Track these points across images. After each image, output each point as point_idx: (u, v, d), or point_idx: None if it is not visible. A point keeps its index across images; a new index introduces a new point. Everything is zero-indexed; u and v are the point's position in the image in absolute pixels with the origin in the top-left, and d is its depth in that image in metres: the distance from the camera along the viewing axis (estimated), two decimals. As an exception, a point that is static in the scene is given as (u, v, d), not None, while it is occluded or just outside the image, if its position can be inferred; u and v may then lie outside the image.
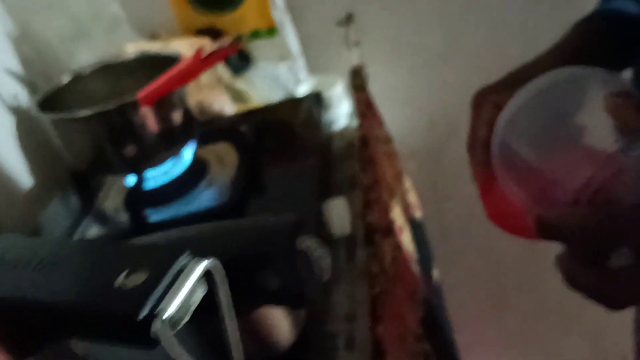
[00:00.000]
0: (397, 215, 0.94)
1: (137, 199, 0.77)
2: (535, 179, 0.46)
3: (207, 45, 1.10)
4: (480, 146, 0.51)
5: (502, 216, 0.50)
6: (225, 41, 0.77)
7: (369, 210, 0.80)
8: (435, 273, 1.23)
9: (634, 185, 0.41)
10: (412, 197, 1.11)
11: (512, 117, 0.47)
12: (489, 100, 0.54)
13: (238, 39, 0.78)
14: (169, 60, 0.75)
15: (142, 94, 0.70)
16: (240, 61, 1.19)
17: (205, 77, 1.10)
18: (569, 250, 0.41)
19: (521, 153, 0.47)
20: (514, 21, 1.21)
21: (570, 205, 0.42)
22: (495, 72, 0.60)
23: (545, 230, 0.42)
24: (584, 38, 0.64)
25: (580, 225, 0.40)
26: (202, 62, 0.69)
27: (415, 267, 0.98)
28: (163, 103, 0.76)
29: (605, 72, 0.46)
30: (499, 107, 0.51)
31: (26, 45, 1.15)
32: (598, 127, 0.43)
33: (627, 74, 0.66)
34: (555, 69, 0.58)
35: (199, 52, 0.69)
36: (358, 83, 1.01)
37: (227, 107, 1.06)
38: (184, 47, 1.09)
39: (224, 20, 1.18)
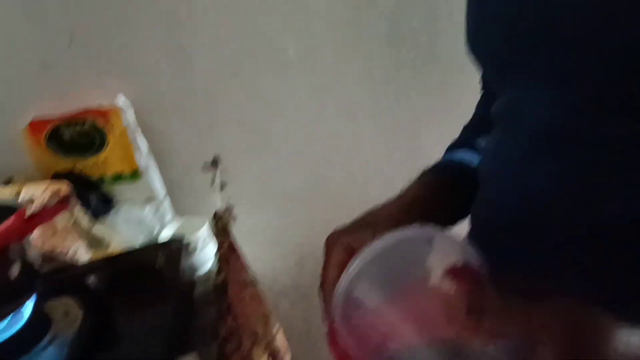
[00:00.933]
0: (262, 362, 0.89)
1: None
2: (371, 332, 0.46)
3: (65, 189, 1.06)
4: (329, 288, 0.52)
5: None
6: (53, 199, 0.73)
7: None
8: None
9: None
10: (281, 341, 1.07)
11: (356, 274, 0.48)
12: (339, 243, 0.55)
13: (64, 200, 0.74)
14: (7, 211, 0.70)
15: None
16: (101, 205, 1.15)
17: (60, 222, 1.04)
18: None
19: (362, 305, 0.47)
20: (374, 162, 1.28)
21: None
22: (357, 210, 0.62)
23: None
24: (427, 186, 0.67)
25: None
26: (25, 222, 0.64)
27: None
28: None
29: (446, 238, 0.49)
30: (349, 250, 0.52)
31: None
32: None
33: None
34: (399, 215, 0.61)
35: (21, 211, 0.64)
36: (221, 227, 1.00)
37: (82, 254, 1.00)
38: (38, 192, 1.03)
39: (85, 163, 1.15)
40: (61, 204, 0.75)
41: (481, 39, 0.57)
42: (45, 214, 0.66)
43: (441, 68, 1.14)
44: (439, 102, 1.18)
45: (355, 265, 0.47)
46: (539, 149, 0.50)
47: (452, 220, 0.66)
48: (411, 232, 0.49)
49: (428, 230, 0.49)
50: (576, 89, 0.46)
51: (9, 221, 0.60)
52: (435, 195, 0.66)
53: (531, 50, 0.49)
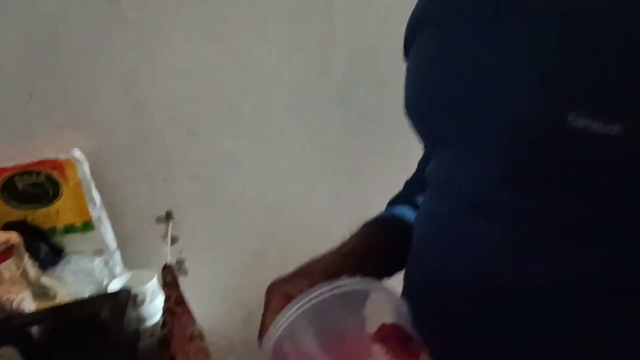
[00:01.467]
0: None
1: None
2: None
3: (14, 238, 1.05)
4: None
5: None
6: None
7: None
8: None
9: None
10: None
11: (285, 328, 0.49)
12: (278, 290, 0.57)
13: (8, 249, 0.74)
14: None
15: None
16: (51, 255, 1.15)
17: (8, 271, 1.03)
18: None
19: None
20: (324, 219, 1.31)
21: None
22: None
23: None
24: (365, 238, 0.70)
25: None
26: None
27: None
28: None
29: (380, 291, 0.51)
30: (287, 297, 0.54)
31: None
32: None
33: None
34: (336, 265, 0.63)
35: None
36: (169, 280, 1.01)
37: (28, 303, 0.99)
38: (-14, 241, 1.03)
39: (37, 213, 1.15)
40: (5, 253, 0.75)
41: (415, 110, 0.62)
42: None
43: (388, 131, 1.20)
44: (386, 163, 1.23)
45: (282, 321, 0.49)
46: (462, 216, 0.54)
47: (388, 272, 0.69)
48: (347, 283, 0.50)
49: (364, 283, 0.51)
50: (493, 165, 0.50)
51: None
52: (373, 248, 0.69)
53: (453, 127, 0.54)
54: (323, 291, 0.50)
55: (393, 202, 0.78)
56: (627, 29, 0.41)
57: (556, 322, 0.48)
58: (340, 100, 1.22)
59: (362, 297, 0.52)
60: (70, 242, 1.18)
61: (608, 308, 0.47)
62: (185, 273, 1.17)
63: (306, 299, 0.49)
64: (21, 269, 1.07)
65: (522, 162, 0.47)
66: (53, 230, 1.17)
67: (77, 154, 1.12)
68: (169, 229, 1.23)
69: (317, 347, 0.49)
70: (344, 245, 0.69)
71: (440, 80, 0.56)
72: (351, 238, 0.71)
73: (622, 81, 0.41)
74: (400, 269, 0.70)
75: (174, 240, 1.23)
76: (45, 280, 1.08)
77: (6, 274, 1.04)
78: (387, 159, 1.23)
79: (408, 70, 0.63)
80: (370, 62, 1.20)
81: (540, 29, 0.46)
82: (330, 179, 1.27)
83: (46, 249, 1.15)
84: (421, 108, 0.60)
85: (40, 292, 1.06)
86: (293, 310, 0.49)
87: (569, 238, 0.47)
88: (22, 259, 1.08)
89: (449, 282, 0.55)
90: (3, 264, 1.03)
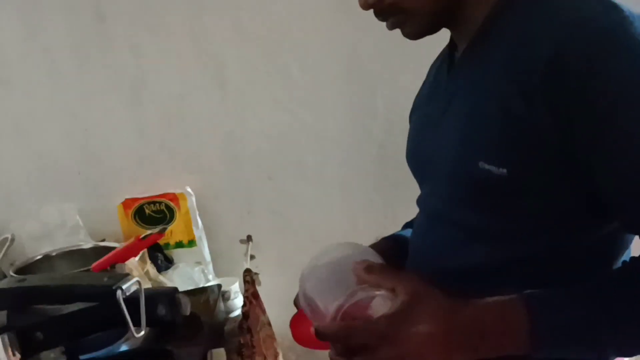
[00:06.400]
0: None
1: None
2: (316, 308, 0.75)
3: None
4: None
5: (302, 337, 0.79)
6: (155, 231, 1.07)
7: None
8: None
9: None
10: (285, 372, 1.35)
11: (308, 274, 0.77)
12: None
13: (162, 230, 1.08)
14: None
15: (95, 265, 0.99)
16: (164, 262, 1.50)
17: (137, 272, 1.38)
18: (333, 348, 0.69)
19: (312, 298, 0.76)
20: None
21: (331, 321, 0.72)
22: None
23: (318, 336, 0.70)
24: (381, 246, 0.97)
25: (333, 332, 0.68)
26: (140, 242, 1.00)
27: None
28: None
29: (364, 250, 0.80)
30: None
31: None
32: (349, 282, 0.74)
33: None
34: None
35: (138, 236, 1.00)
36: (248, 279, 1.32)
37: (150, 292, 1.33)
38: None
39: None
40: (158, 235, 1.07)
41: (408, 161, 0.91)
42: (150, 240, 1.01)
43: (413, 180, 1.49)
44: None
45: (307, 267, 0.77)
46: (428, 224, 0.83)
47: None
48: (351, 246, 0.79)
49: (362, 247, 0.80)
50: (442, 193, 0.77)
51: (132, 241, 0.95)
52: (383, 253, 0.97)
53: (423, 171, 0.83)
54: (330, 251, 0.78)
55: (406, 225, 1.06)
56: (507, 115, 0.68)
57: (475, 286, 0.75)
58: (379, 156, 1.54)
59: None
60: (178, 254, 1.53)
61: (502, 277, 0.73)
62: (259, 283, 1.49)
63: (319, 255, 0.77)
64: (145, 270, 1.42)
65: (456, 191, 0.75)
66: (167, 245, 1.52)
67: (189, 189, 1.49)
68: (249, 248, 1.56)
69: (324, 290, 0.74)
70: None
71: (417, 143, 0.86)
72: (370, 245, 0.99)
73: (504, 143, 0.68)
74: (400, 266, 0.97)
75: (252, 257, 1.56)
76: (161, 278, 1.43)
77: (135, 272, 1.39)
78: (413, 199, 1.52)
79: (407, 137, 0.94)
80: (402, 130, 1.51)
81: (463, 113, 0.74)
82: (370, 215, 1.57)
83: (162, 257, 1.50)
84: (410, 160, 0.90)
85: (157, 286, 1.40)
86: (311, 263, 0.77)
87: (480, 238, 0.73)
88: (145, 262, 1.43)
89: (421, 261, 0.82)
90: (132, 264, 1.38)
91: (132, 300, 0.78)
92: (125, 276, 0.77)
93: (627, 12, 0.60)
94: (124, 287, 0.73)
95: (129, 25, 1.47)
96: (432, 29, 0.75)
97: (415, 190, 0.89)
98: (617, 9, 0.61)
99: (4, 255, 1.15)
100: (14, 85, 1.49)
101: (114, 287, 0.71)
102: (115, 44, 1.47)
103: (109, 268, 1.00)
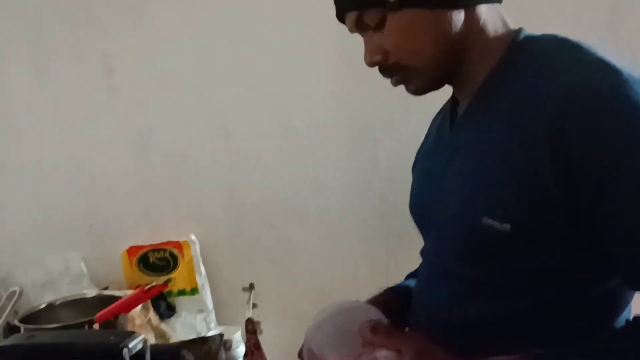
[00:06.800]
0: None
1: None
2: None
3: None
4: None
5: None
6: (160, 282, 1.07)
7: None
8: None
9: None
10: None
11: (314, 330, 0.78)
12: None
13: (167, 281, 1.09)
14: (117, 299, 1.06)
15: (99, 315, 0.99)
16: (167, 310, 1.49)
17: (138, 319, 1.38)
18: None
19: (317, 355, 0.77)
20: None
21: None
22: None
23: None
24: (383, 297, 0.97)
25: None
26: (145, 293, 1.00)
27: None
28: (109, 325, 1.03)
29: (369, 308, 0.81)
30: None
31: (2, 288, 1.42)
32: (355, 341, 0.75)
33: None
34: None
35: (142, 287, 1.00)
36: (250, 329, 1.32)
37: (151, 341, 1.32)
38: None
39: (160, 279, 1.50)
40: (161, 287, 1.08)
41: (412, 212, 0.93)
42: (153, 291, 1.01)
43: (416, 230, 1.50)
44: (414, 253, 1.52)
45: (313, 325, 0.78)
46: (431, 276, 0.83)
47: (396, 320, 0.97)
48: (355, 304, 0.80)
49: (366, 306, 0.80)
50: (445, 246, 0.78)
51: (136, 292, 0.95)
52: (387, 304, 0.97)
53: (426, 222, 0.84)
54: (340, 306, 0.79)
55: (409, 276, 1.06)
56: (510, 171, 0.69)
57: (478, 338, 0.75)
58: (380, 206, 1.55)
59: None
60: (181, 302, 1.52)
61: (504, 330, 0.73)
62: (261, 332, 1.47)
63: (324, 313, 0.78)
64: (147, 318, 1.41)
65: (459, 244, 0.76)
66: (170, 293, 1.52)
67: (193, 237, 1.50)
68: (251, 297, 1.56)
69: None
70: (368, 301, 0.97)
71: (421, 196, 0.87)
72: (374, 297, 0.99)
73: (507, 199, 0.69)
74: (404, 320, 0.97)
75: (254, 306, 1.55)
76: (163, 327, 1.42)
77: (137, 321, 1.38)
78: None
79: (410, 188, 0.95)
80: (404, 180, 1.53)
81: (466, 168, 0.76)
82: (372, 265, 1.57)
83: (164, 305, 1.49)
84: (414, 212, 0.91)
85: (159, 335, 1.39)
86: (316, 320, 0.78)
87: (483, 291, 0.74)
88: (148, 310, 1.43)
89: (424, 313, 0.83)
90: (135, 312, 1.37)
91: (138, 358, 0.79)
92: (131, 334, 0.79)
93: (626, 76, 0.63)
94: (130, 345, 0.76)
95: (136, 77, 1.51)
96: (435, 86, 0.78)
97: (417, 240, 0.90)
98: (616, 72, 0.63)
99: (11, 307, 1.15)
100: (22, 134, 1.52)
101: (120, 346, 0.74)
102: (122, 96, 1.51)
103: (112, 318, 1.00)
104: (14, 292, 1.16)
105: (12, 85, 1.49)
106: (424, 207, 0.86)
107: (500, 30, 0.75)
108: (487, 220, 0.68)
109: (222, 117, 1.53)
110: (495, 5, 0.75)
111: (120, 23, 1.47)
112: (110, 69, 1.50)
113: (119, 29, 1.48)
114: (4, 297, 1.24)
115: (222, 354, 1.33)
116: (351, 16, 0.74)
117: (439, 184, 0.80)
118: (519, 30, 0.75)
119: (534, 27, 0.76)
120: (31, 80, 1.49)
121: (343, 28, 0.78)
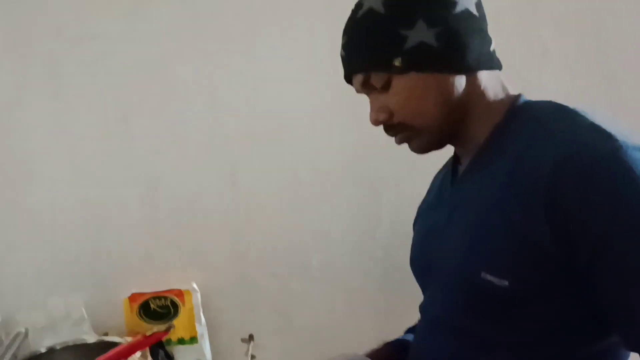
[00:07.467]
0: None
1: None
2: None
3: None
4: None
5: None
6: (160, 329, 1.07)
7: None
8: None
9: None
10: None
11: None
12: None
13: (168, 328, 1.08)
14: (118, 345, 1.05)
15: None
16: (165, 359, 1.47)
17: (137, 367, 1.36)
18: None
19: None
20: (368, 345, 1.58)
21: None
22: None
23: None
24: (383, 351, 0.97)
25: None
26: (145, 340, 1.00)
27: None
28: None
29: None
30: None
31: (3, 330, 1.42)
32: None
33: None
34: None
35: (144, 333, 1.00)
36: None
37: (149, 389, 1.30)
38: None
39: (160, 327, 1.49)
40: (163, 333, 1.07)
41: (412, 267, 0.94)
42: (155, 336, 1.01)
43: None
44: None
45: None
46: (430, 330, 0.83)
47: None
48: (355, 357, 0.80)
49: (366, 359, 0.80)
50: (445, 300, 0.79)
51: (138, 337, 0.95)
52: (386, 358, 0.97)
53: (425, 278, 0.85)
54: None
55: (409, 330, 1.06)
56: (509, 229, 0.71)
57: None
58: (383, 260, 1.56)
59: None
60: (179, 350, 1.50)
61: None
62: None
63: None
64: (146, 367, 1.40)
65: (458, 299, 0.77)
66: (169, 341, 1.50)
67: (194, 285, 1.50)
68: (250, 348, 1.54)
69: None
70: (368, 353, 0.97)
71: (421, 250, 0.89)
72: (373, 350, 0.99)
73: (506, 255, 0.70)
74: None
75: (252, 357, 1.53)
76: (161, 376, 1.40)
77: (135, 369, 1.37)
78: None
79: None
80: (406, 234, 1.54)
81: (466, 224, 0.77)
82: (373, 318, 1.57)
83: (163, 354, 1.47)
84: (413, 266, 0.92)
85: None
86: None
87: (480, 346, 0.74)
88: (147, 359, 1.41)
89: None
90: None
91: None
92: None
93: (621, 142, 0.65)
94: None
95: (149, 126, 1.55)
96: (438, 146, 0.81)
97: (419, 294, 0.91)
98: (611, 138, 0.65)
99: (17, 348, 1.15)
100: (36, 178, 1.54)
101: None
102: (135, 143, 1.54)
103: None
104: (19, 333, 1.15)
105: (30, 130, 1.52)
106: (424, 261, 0.87)
107: (500, 94, 0.78)
108: (486, 276, 0.69)
109: (229, 167, 1.55)
110: (496, 72, 0.79)
111: (136, 76, 1.52)
112: (125, 117, 1.54)
113: (135, 81, 1.53)
114: (11, 337, 1.23)
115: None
116: (358, 78, 0.78)
117: (440, 238, 0.82)
118: (519, 96, 0.78)
119: (532, 93, 0.79)
120: (49, 126, 1.53)
121: (351, 87, 0.82)
